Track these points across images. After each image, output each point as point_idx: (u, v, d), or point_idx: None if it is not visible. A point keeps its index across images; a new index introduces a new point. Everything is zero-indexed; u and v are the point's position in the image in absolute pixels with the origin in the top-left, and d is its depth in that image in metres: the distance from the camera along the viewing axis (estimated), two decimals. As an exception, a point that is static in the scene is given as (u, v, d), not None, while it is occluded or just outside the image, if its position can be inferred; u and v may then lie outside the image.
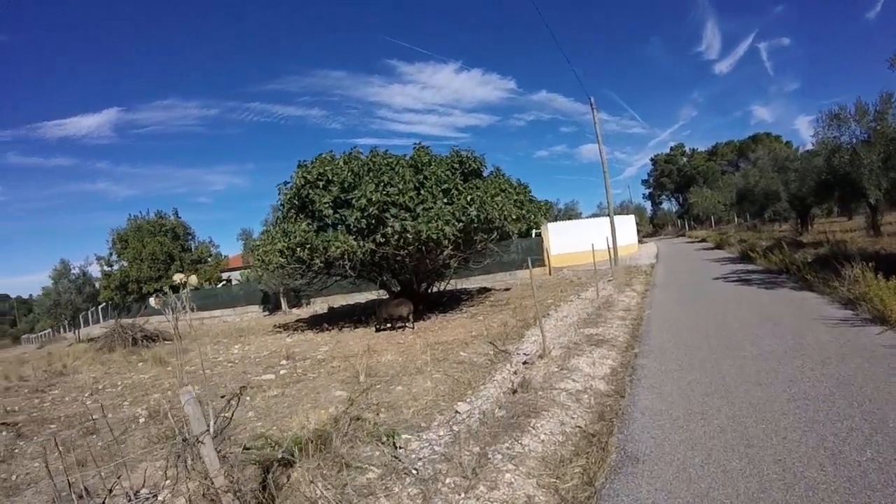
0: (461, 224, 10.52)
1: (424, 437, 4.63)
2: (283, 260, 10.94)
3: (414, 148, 11.98)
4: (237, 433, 5.64)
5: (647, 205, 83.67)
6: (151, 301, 5.37)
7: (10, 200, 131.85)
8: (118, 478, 4.66)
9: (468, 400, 5.64)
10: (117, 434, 5.99)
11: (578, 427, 4.30)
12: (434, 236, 10.12)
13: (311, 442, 4.52)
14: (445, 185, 11.20)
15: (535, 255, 21.54)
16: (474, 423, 4.68)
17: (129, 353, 12.40)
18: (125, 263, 25.35)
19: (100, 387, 8.96)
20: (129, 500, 4.21)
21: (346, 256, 10.43)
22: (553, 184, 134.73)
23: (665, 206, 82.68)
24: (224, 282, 25.85)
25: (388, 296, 13.55)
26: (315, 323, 14.90)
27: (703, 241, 32.16)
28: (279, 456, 4.31)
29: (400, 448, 4.41)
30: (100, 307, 29.34)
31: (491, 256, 13.51)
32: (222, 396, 7.33)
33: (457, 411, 5.28)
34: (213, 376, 8.84)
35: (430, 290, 13.78)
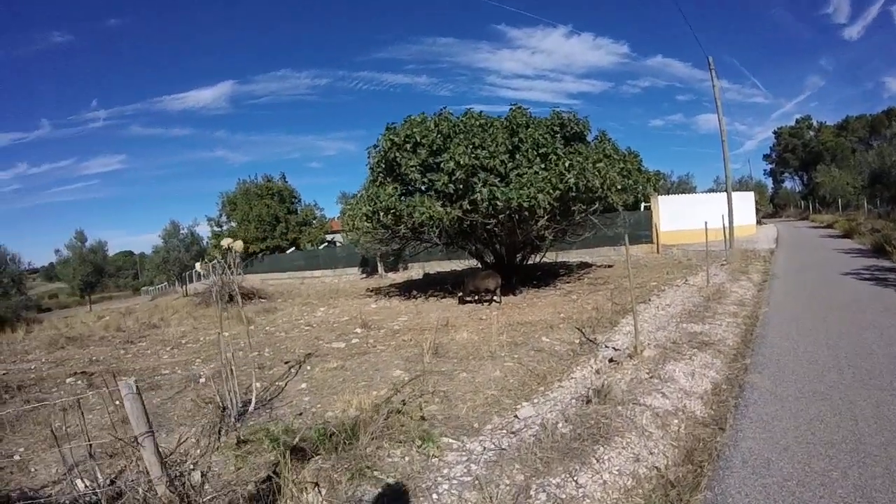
0: (558, 192, 9.24)
1: (468, 445, 3.79)
2: (368, 224, 10.59)
3: (510, 108, 10.80)
4: (283, 405, 5.28)
5: (768, 182, 73.17)
6: (197, 266, 5.12)
7: (133, 168, 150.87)
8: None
9: (535, 401, 4.68)
10: (173, 393, 5.94)
11: (656, 469, 3.14)
12: (526, 204, 9.00)
13: (337, 434, 3.91)
14: (543, 150, 9.91)
15: (643, 230, 19.48)
16: (529, 437, 3.71)
17: (222, 309, 13.04)
18: (234, 224, 27.45)
19: (183, 341, 9.39)
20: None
21: (431, 223, 9.74)
22: (668, 155, 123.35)
23: (787, 184, 71.69)
24: (327, 243, 26.88)
25: (480, 266, 12.76)
26: (405, 289, 14.64)
27: (830, 227, 26.99)
28: (294, 443, 3.75)
29: (434, 457, 3.61)
30: (210, 265, 32.21)
31: (592, 230, 11.99)
32: (286, 363, 7.14)
33: (516, 415, 4.35)
34: (287, 340, 8.78)
35: (524, 262, 12.69)
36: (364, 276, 19.90)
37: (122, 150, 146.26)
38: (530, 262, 13.22)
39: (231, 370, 5.23)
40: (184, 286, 30.71)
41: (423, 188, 10.44)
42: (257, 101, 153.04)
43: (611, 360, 5.47)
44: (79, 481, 3.55)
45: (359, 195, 11.17)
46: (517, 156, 9.89)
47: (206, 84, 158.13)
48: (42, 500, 3.07)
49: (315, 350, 7.79)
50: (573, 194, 9.49)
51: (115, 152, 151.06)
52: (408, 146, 10.25)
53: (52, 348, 9.79)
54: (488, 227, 10.05)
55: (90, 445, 3.79)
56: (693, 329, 6.61)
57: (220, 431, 4.64)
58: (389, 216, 10.00)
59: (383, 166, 10.81)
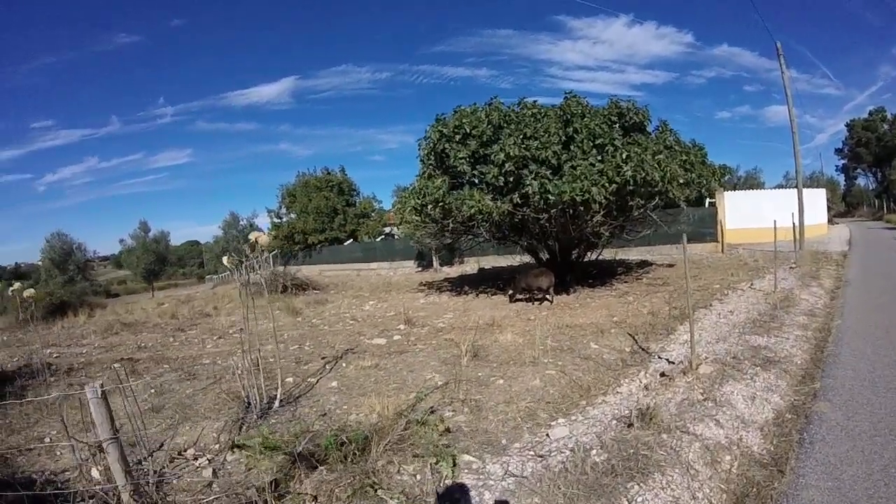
0: (614, 185, 8.54)
1: (489, 467, 3.43)
2: (416, 218, 10.35)
3: (564, 97, 10.13)
4: (310, 403, 5.15)
5: (840, 179, 66.02)
6: (224, 259, 5.08)
7: (199, 161, 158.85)
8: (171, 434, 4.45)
9: (572, 417, 4.23)
10: (208, 384, 5.98)
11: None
12: (579, 198, 8.39)
13: (349, 444, 3.67)
14: (599, 140, 9.21)
15: (707, 228, 18.12)
16: (557, 465, 3.29)
17: (274, 300, 13.34)
18: (293, 216, 28.19)
19: (230, 331, 9.57)
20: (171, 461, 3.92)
21: (481, 217, 9.35)
22: (735, 149, 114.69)
23: (860, 181, 64.29)
24: (383, 236, 27.12)
25: (534, 262, 12.22)
26: (457, 284, 14.36)
27: (906, 228, 24.18)
28: (299, 451, 3.53)
29: (447, 481, 3.27)
30: (271, 255, 33.37)
31: (651, 226, 11.10)
32: (323, 358, 7.06)
33: (548, 434, 3.92)
34: (329, 334, 8.74)
35: (580, 260, 12.00)
36: (420, 269, 19.82)
37: (189, 144, 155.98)
38: (587, 259, 12.51)
39: (258, 365, 5.19)
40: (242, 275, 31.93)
41: (473, 181, 10.06)
42: (319, 96, 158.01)
43: (662, 375, 4.87)
44: (94, 470, 3.54)
45: (409, 188, 10.98)
46: (572, 147, 9.27)
47: (269, 80, 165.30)
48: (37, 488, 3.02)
49: (356, 346, 7.68)
50: (630, 188, 8.74)
51: (182, 146, 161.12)
52: (457, 137, 9.89)
53: (107, 333, 10.37)
54: (540, 222, 9.50)
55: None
56: (757, 342, 5.83)
57: (240, 428, 4.57)
58: (437, 209, 9.71)
59: (433, 158, 10.53)
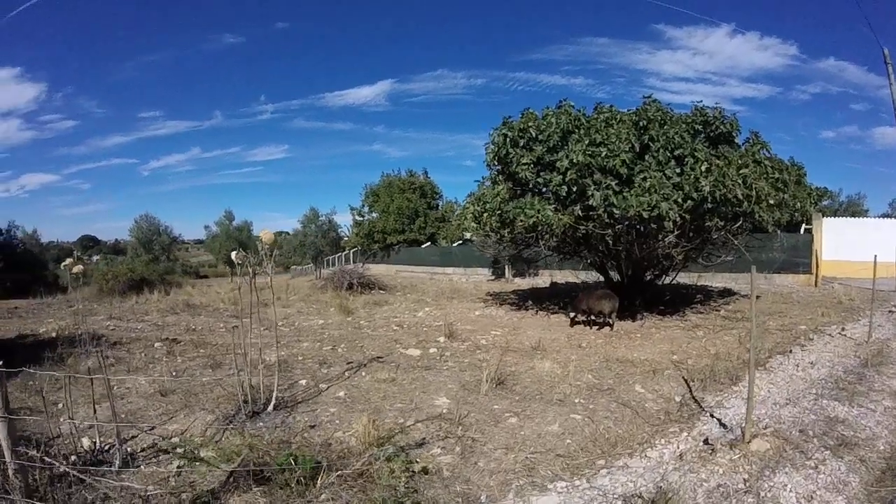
0: (689, 202, 7.36)
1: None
2: (475, 226, 9.80)
3: (643, 101, 9.00)
4: (308, 411, 4.94)
5: None
6: (233, 255, 5.03)
7: (295, 157, 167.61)
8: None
9: (576, 483, 3.51)
10: (225, 375, 6.01)
11: None
12: (646, 214, 7.35)
13: (296, 469, 3.26)
14: (679, 151, 8.00)
15: (801, 256, 15.70)
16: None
17: (335, 297, 13.45)
18: (374, 215, 28.63)
19: (280, 324, 9.66)
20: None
21: (541, 229, 8.59)
22: (839, 172, 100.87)
23: None
24: (461, 241, 26.78)
25: (603, 281, 11.12)
26: (522, 298, 13.56)
27: None
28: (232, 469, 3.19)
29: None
30: (352, 251, 34.09)
31: (734, 252, 9.57)
32: (348, 363, 6.79)
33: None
34: (369, 338, 8.53)
35: (655, 282, 10.69)
36: (493, 278, 19.18)
37: (287, 140, 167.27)
38: (661, 282, 11.16)
39: (258, 364, 5.09)
40: (318, 270, 33.43)
41: (537, 189, 9.30)
42: (414, 100, 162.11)
43: (705, 442, 3.89)
44: (85, 439, 3.87)
45: (471, 194, 10.47)
46: (646, 157, 8.18)
47: (366, 82, 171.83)
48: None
49: (387, 354, 7.38)
50: (709, 206, 7.49)
51: (279, 142, 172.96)
52: (522, 142, 9.18)
53: (167, 313, 10.97)
54: (605, 238, 8.51)
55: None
56: (834, 411, 4.57)
57: (224, 429, 4.39)
58: (494, 219, 9.09)
59: (497, 164, 9.90)
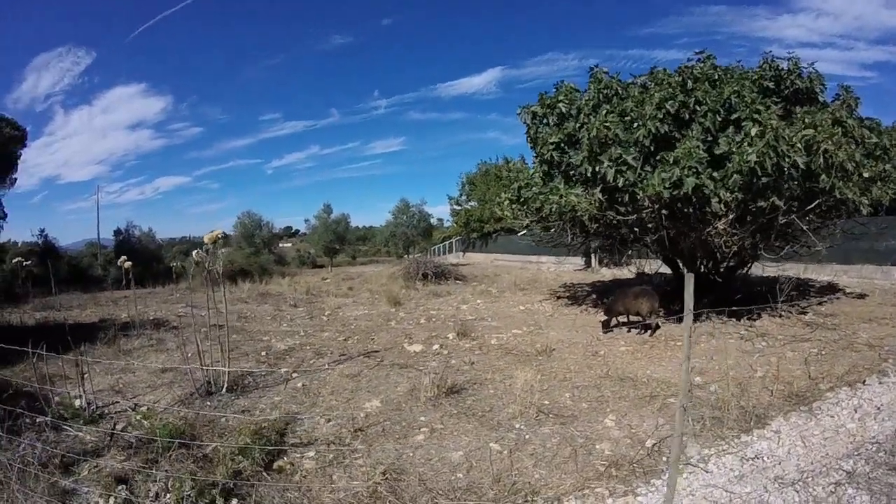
0: (737, 177, 5.84)
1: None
2: (508, 213, 9.08)
3: (688, 59, 7.37)
4: (256, 397, 5.23)
5: None
6: (193, 254, 5.38)
7: (412, 149, 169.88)
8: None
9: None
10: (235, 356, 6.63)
11: None
12: (666, 195, 6.05)
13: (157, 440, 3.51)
14: (738, 114, 6.40)
15: None
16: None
17: (402, 287, 13.55)
18: (472, 204, 27.99)
19: (325, 314, 10.21)
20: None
21: (564, 216, 7.64)
22: None
23: None
24: (524, 229, 25.29)
25: (672, 273, 9.48)
26: (591, 292, 12.26)
27: None
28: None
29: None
30: (454, 240, 33.86)
31: (827, 239, 7.36)
32: (342, 355, 6.94)
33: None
34: (388, 330, 8.60)
35: (737, 273, 8.77)
36: (582, 267, 17.68)
37: (402, 133, 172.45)
38: (746, 274, 9.17)
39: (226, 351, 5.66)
40: (406, 259, 33.93)
41: (567, 171, 8.29)
42: (526, 85, 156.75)
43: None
44: (77, 400, 4.63)
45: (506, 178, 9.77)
46: (693, 125, 6.73)
47: (476, 71, 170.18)
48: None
49: (389, 348, 7.34)
50: (762, 181, 5.85)
51: (396, 135, 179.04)
52: (550, 119, 8.24)
53: (239, 301, 12.02)
54: (629, 224, 7.24)
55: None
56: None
57: (177, 404, 4.94)
58: (518, 204, 8.35)
59: (530, 145, 9.04)
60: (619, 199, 6.95)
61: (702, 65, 7.25)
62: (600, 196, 7.01)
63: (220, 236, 5.32)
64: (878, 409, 4.28)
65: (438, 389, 5.10)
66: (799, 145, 5.60)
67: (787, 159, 5.61)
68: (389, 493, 3.30)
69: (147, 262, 20.43)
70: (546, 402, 4.91)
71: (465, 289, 13.44)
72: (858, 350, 5.86)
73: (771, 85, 7.00)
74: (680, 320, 7.33)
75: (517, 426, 4.38)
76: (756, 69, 7.26)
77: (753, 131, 5.91)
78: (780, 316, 7.60)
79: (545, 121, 8.31)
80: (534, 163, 9.28)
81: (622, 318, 7.85)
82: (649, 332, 7.38)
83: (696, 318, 7.73)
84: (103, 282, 17.97)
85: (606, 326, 7.76)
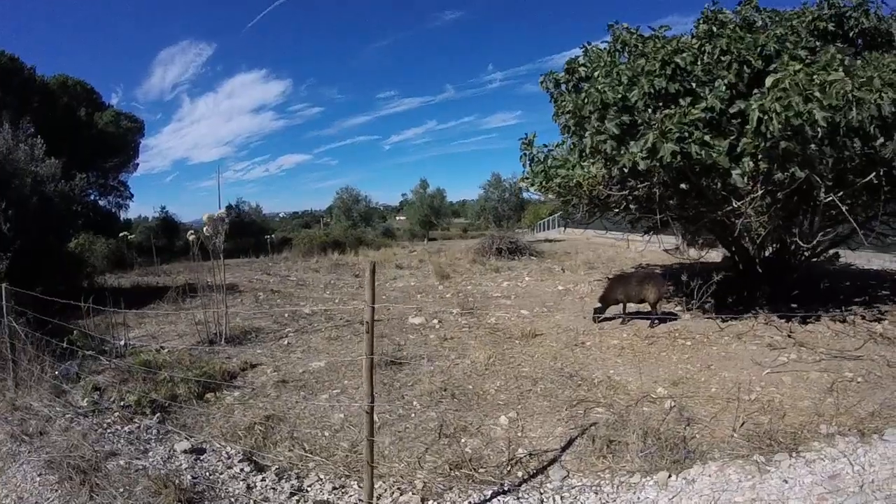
0: (745, 141, 4.83)
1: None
2: (532, 187, 8.57)
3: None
4: (248, 349, 6.17)
5: None
6: (188, 235, 6.23)
7: (527, 123, 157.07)
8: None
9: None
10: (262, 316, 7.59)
11: None
12: (642, 165, 5.24)
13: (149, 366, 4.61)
14: (776, 63, 5.24)
15: None
16: None
17: (471, 262, 13.51)
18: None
19: (378, 285, 10.72)
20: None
21: (570, 190, 7.08)
22: None
23: None
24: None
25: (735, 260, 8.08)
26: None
27: None
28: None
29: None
30: (558, 216, 31.53)
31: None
32: (346, 321, 7.43)
33: None
34: (405, 302, 8.85)
35: (803, 261, 7.16)
36: (674, 248, 15.73)
37: (518, 107, 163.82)
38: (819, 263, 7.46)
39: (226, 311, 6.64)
40: (492, 234, 32.74)
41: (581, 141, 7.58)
42: None
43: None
44: (121, 340, 5.94)
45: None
46: (717, 81, 5.70)
47: (590, 39, 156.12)
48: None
49: (395, 318, 7.69)
50: (781, 147, 4.71)
51: (511, 109, 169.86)
52: (570, 85, 7.56)
53: (311, 270, 13.13)
54: (627, 202, 6.39)
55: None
56: None
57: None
58: (538, 179, 7.89)
59: (553, 118, 8.35)
60: (615, 174, 6.22)
61: (740, 7, 6.01)
62: (604, 170, 6.35)
63: (220, 217, 6.15)
64: (860, 486, 2.79)
65: (379, 359, 5.28)
66: (817, 94, 4.40)
67: (801, 115, 4.47)
68: (260, 434, 3.81)
69: (255, 234, 23.27)
70: (469, 387, 4.77)
71: (529, 265, 13.01)
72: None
73: (831, 27, 5.51)
74: (730, 312, 6.33)
75: (414, 403, 4.45)
76: (814, 7, 5.79)
77: (769, 81, 4.80)
78: (844, 321, 6.07)
79: (566, 87, 7.64)
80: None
81: (630, 308, 6.95)
82: (655, 321, 6.55)
83: (738, 315, 6.60)
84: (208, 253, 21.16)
85: (599, 313, 6.90)
